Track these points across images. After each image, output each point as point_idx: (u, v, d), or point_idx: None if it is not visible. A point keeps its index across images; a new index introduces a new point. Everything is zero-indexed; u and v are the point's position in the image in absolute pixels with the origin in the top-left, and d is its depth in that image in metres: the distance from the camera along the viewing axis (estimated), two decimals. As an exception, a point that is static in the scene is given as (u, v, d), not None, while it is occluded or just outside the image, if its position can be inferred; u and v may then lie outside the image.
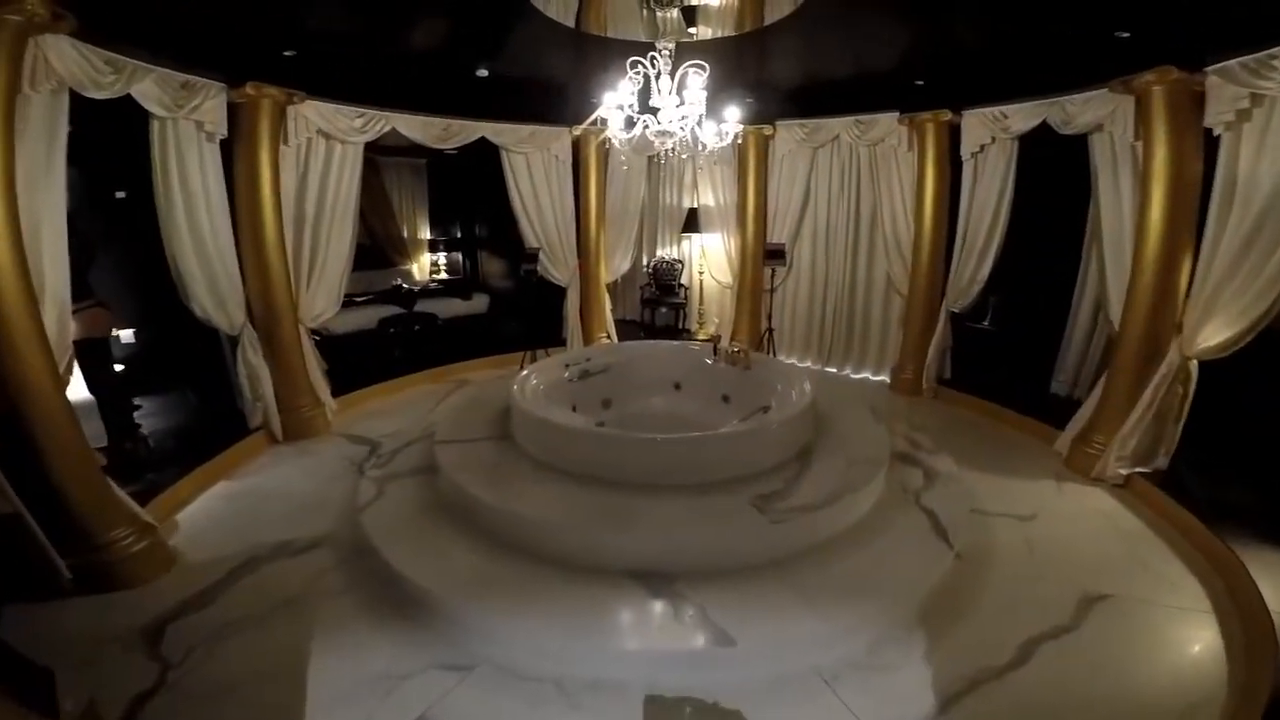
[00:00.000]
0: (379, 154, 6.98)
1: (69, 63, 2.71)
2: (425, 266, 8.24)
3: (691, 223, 7.08)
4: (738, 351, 4.61)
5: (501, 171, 5.94)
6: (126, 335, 5.26)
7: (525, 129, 5.85)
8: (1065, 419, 4.26)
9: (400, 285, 7.24)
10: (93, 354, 3.74)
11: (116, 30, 2.95)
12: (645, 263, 7.60)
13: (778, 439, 3.42)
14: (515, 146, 5.88)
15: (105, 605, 2.66)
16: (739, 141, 6.04)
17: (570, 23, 3.57)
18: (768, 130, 6.09)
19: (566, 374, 4.26)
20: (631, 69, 3.07)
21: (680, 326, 7.53)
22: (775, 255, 6.11)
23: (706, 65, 3.08)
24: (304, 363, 4.61)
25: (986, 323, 5.53)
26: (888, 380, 5.91)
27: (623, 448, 3.13)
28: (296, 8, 3.13)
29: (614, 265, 6.80)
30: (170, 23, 3.08)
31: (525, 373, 3.94)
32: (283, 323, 4.44)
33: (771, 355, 6.09)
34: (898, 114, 5.31)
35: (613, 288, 6.86)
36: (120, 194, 4.87)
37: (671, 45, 3.10)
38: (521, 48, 4.08)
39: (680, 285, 7.45)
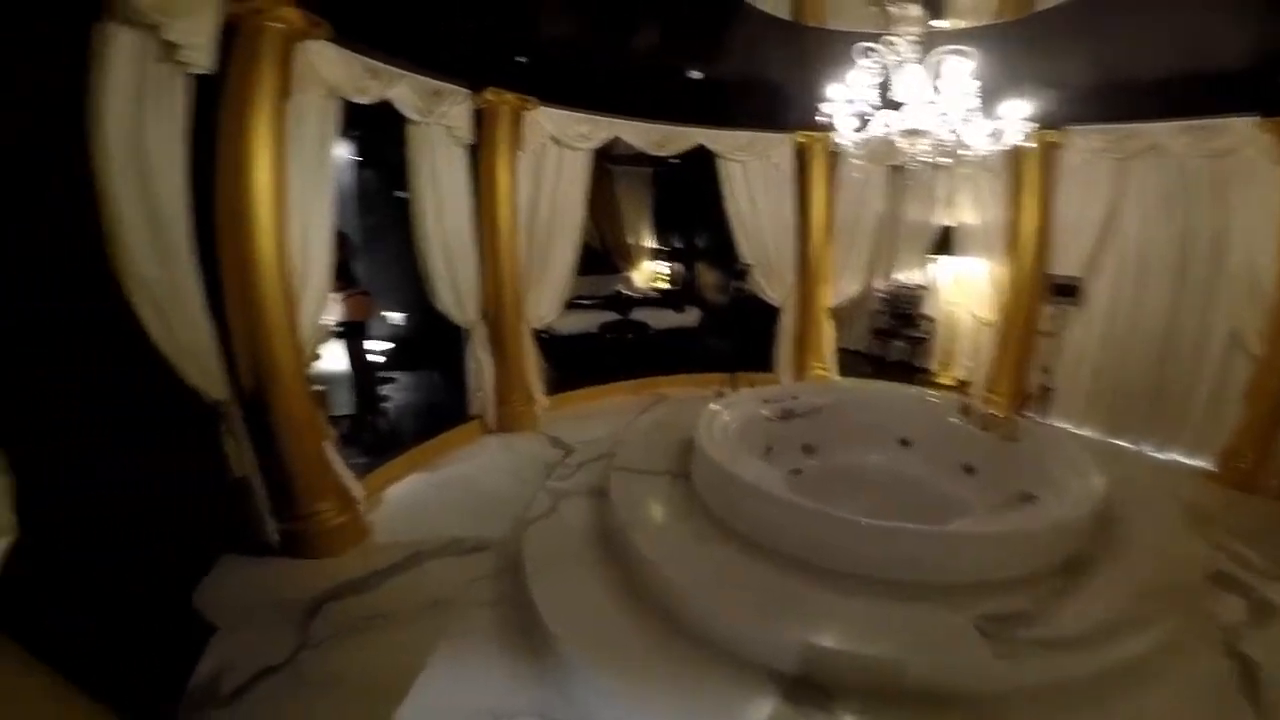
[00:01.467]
0: (612, 162, 7.21)
1: (334, 69, 3.04)
2: (647, 275, 8.36)
3: (944, 243, 6.03)
4: (998, 416, 3.67)
5: (718, 180, 5.65)
6: (397, 318, 6.17)
7: (743, 135, 5.50)
8: None
9: (621, 292, 7.39)
10: (354, 335, 4.34)
11: (368, 36, 3.24)
12: (880, 287, 6.69)
13: (1039, 546, 2.56)
14: (732, 154, 5.55)
15: (291, 571, 2.92)
16: (1015, 148, 4.93)
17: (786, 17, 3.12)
18: (1052, 137, 4.86)
19: (765, 411, 3.78)
20: (863, 57, 2.51)
21: (917, 365, 6.49)
22: (1065, 291, 4.86)
23: (972, 51, 2.40)
24: (524, 360, 4.85)
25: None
26: (1211, 467, 4.32)
27: (814, 522, 2.56)
28: (526, 12, 3.19)
29: (840, 287, 6.08)
30: (414, 27, 3.32)
31: (717, 407, 3.55)
32: (509, 321, 4.69)
33: (1042, 419, 4.85)
34: (1257, 118, 3.83)
35: (837, 313, 6.13)
36: (400, 193, 5.67)
37: (917, 30, 2.47)
38: (734, 46, 3.77)
39: (922, 316, 6.41)
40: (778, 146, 5.61)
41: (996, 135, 2.94)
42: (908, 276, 6.59)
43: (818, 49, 3.78)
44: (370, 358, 4.58)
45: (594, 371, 5.91)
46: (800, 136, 5.55)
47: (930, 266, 6.45)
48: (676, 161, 7.53)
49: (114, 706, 1.40)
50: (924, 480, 3.69)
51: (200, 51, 2.34)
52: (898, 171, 6.07)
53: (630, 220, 8.19)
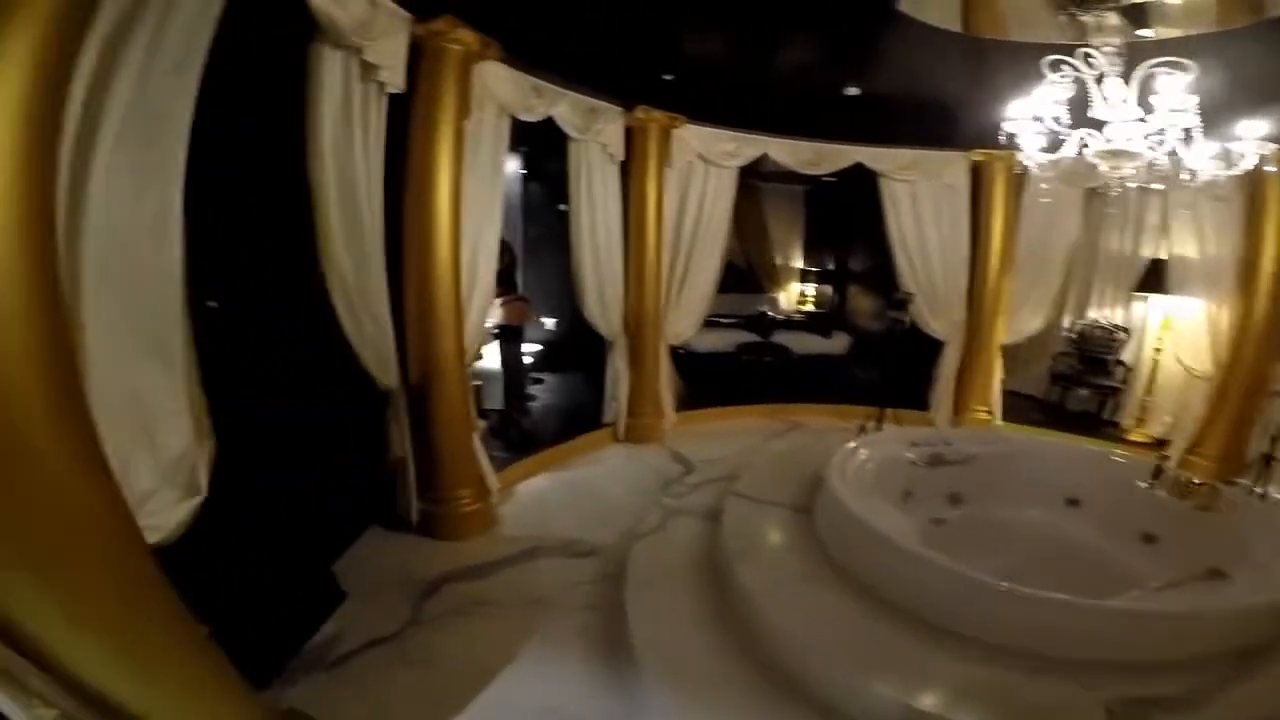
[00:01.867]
0: (759, 180, 7.08)
1: (505, 88, 3.31)
2: (793, 296, 8.09)
3: (1153, 279, 5.14)
4: (1199, 485, 3.06)
5: (879, 201, 5.30)
6: (550, 323, 6.58)
7: (907, 153, 5.12)
8: None
9: (764, 313, 7.22)
10: (510, 338, 4.67)
11: (532, 56, 3.46)
12: (1067, 325, 5.84)
13: (1219, 629, 2.09)
14: (896, 173, 5.18)
15: (423, 549, 3.16)
16: (1252, 171, 4.09)
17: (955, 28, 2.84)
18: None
19: (911, 455, 3.46)
20: (1052, 70, 2.21)
21: (1105, 417, 5.58)
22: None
23: (1188, 64, 2.03)
24: (658, 375, 4.92)
25: None
26: None
27: (943, 581, 2.28)
28: (674, 30, 3.25)
29: (1017, 324, 5.43)
30: (572, 46, 3.51)
31: (854, 444, 3.31)
32: (648, 336, 4.79)
33: (1262, 492, 3.94)
34: None
35: (1008, 351, 5.48)
36: (562, 207, 6.06)
37: (1116, 41, 2.13)
38: (895, 60, 3.52)
39: (1119, 362, 5.50)
40: (950, 166, 5.16)
41: (1227, 158, 2.47)
42: (1104, 315, 5.70)
43: (996, 61, 3.43)
44: (523, 360, 4.90)
45: (727, 391, 5.83)
46: (977, 155, 5.07)
47: (1133, 305, 5.53)
48: (831, 179, 7.28)
49: (233, 656, 1.59)
50: (1089, 544, 3.17)
51: (394, 72, 2.67)
52: (1095, 196, 5.32)
53: (778, 239, 7.99)
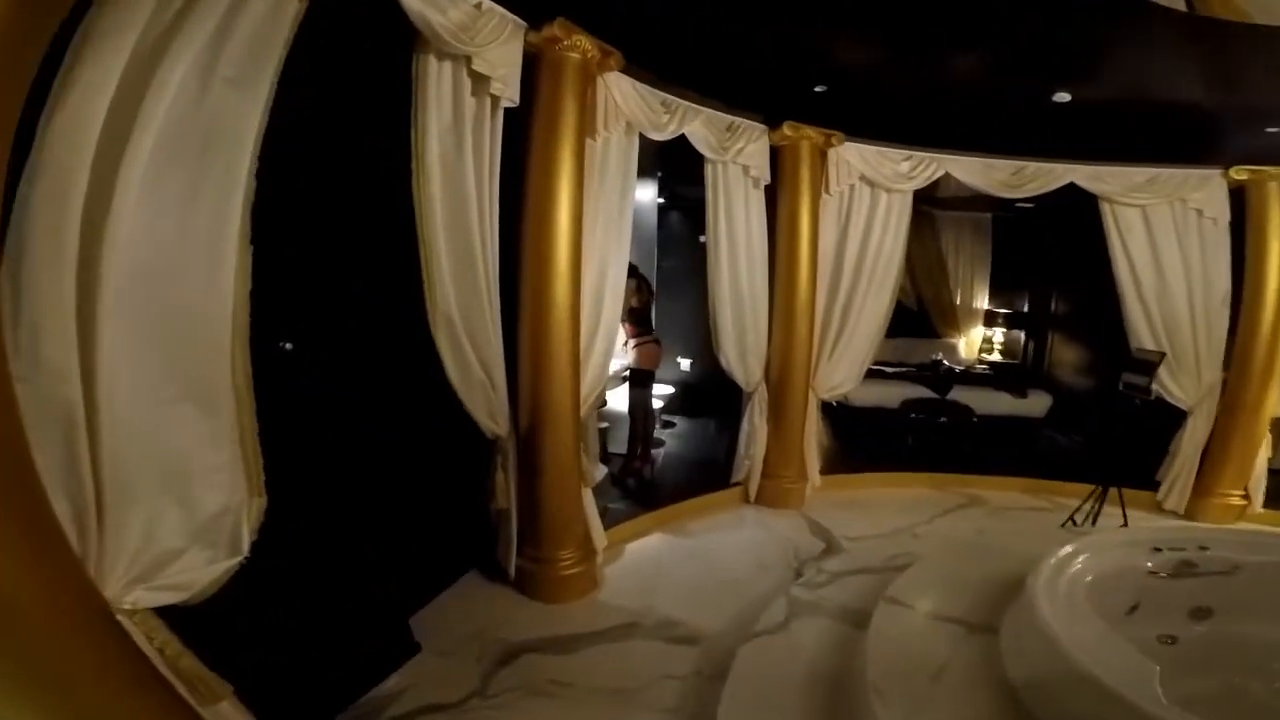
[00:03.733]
0: (934, 207, 6.16)
1: (631, 102, 3.00)
2: (975, 343, 6.91)
3: None
4: None
5: (1099, 230, 4.26)
6: (685, 364, 6.22)
7: (1140, 172, 4.07)
8: None
9: (940, 361, 6.20)
10: (640, 383, 4.33)
11: (659, 66, 3.13)
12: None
13: None
14: (1124, 196, 4.12)
15: (514, 607, 2.87)
16: None
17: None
18: None
19: (1152, 564, 2.51)
20: None
21: None
22: None
23: None
24: (804, 434, 4.28)
25: None
26: None
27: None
28: (819, 36, 2.75)
29: (1301, 390, 4.02)
30: (704, 55, 3.10)
31: (1071, 549, 2.44)
32: (794, 388, 4.18)
33: None
34: None
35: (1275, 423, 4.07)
36: (702, 238, 5.70)
37: None
38: (1120, 55, 2.69)
39: None
40: (1200, 187, 4.02)
41: None
42: None
43: (1254, 52, 2.51)
44: (652, 406, 4.53)
45: (887, 454, 4.99)
46: (1239, 173, 3.89)
47: None
48: (1028, 205, 6.16)
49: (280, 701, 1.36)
50: None
51: (507, 84, 2.44)
52: None
53: (958, 275, 6.90)
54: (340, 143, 2.26)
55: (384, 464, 2.50)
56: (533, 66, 2.62)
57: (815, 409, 4.34)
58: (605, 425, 4.76)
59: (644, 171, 5.17)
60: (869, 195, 4.20)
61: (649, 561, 3.48)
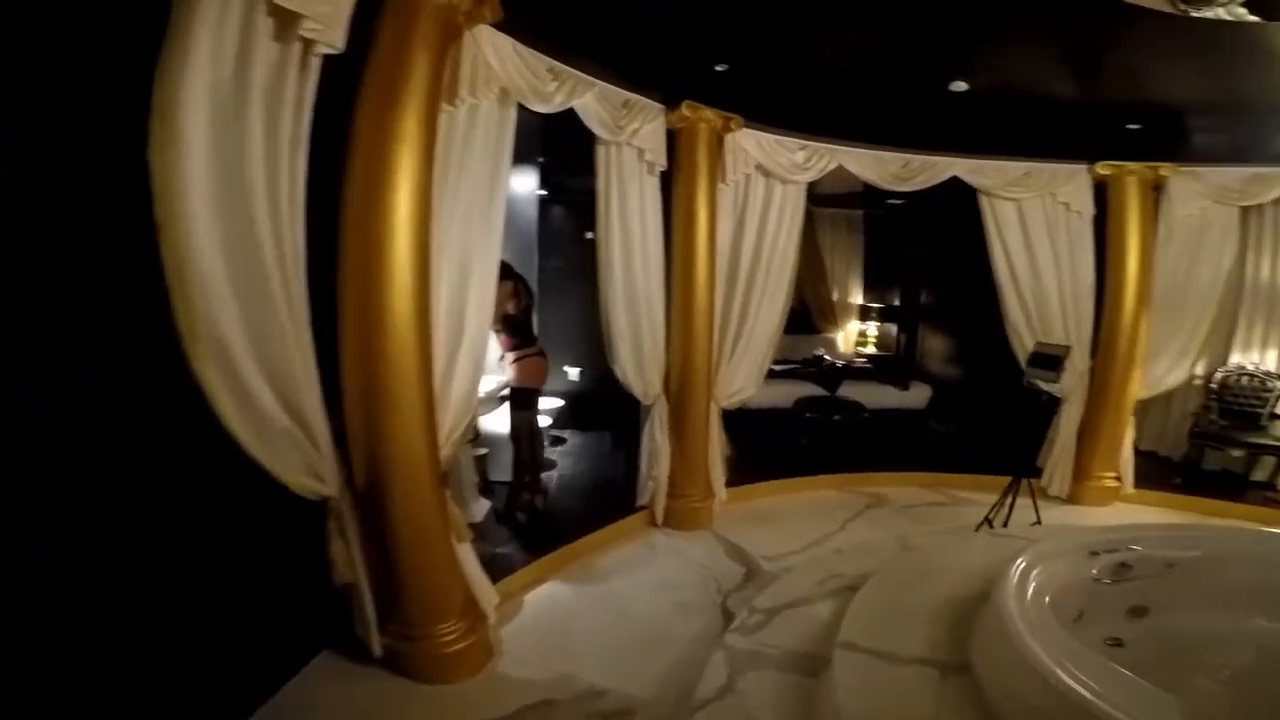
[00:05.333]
0: (812, 203, 6.17)
1: (510, 65, 2.40)
2: (852, 337, 7.07)
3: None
4: None
5: (968, 225, 4.37)
6: (574, 373, 5.65)
7: (1017, 166, 4.17)
8: None
9: (822, 357, 6.19)
10: (523, 403, 3.69)
11: (547, 28, 2.60)
12: (1201, 373, 4.71)
13: None
14: (1002, 190, 4.21)
15: (386, 694, 2.26)
16: None
17: None
18: None
19: (1095, 571, 2.39)
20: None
21: (1257, 479, 4.41)
22: None
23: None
24: (709, 447, 3.88)
25: None
26: None
27: None
28: (722, 6, 2.39)
29: (1154, 375, 4.34)
30: (599, 21, 2.62)
31: (1024, 562, 2.22)
32: (696, 398, 3.77)
33: None
34: None
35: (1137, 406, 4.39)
36: (590, 235, 5.16)
37: None
38: (1012, 46, 2.75)
39: (1275, 416, 4.36)
40: (1069, 181, 4.19)
41: None
42: (1251, 360, 4.57)
43: (1157, 40, 2.54)
44: (539, 427, 3.91)
45: (787, 458, 4.81)
46: (1103, 168, 4.08)
47: (1297, 349, 4.41)
48: (898, 202, 6.36)
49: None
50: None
51: (328, 24, 1.74)
52: (1250, 215, 4.30)
53: (834, 272, 7.01)
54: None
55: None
56: (374, 7, 1.95)
57: (718, 419, 3.99)
58: (484, 451, 4.10)
59: (522, 157, 4.57)
60: (764, 186, 3.91)
61: (554, 614, 2.92)
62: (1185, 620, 2.45)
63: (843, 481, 4.60)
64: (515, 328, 3.61)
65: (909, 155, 4.12)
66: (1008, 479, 4.50)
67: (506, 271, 3.50)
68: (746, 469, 4.36)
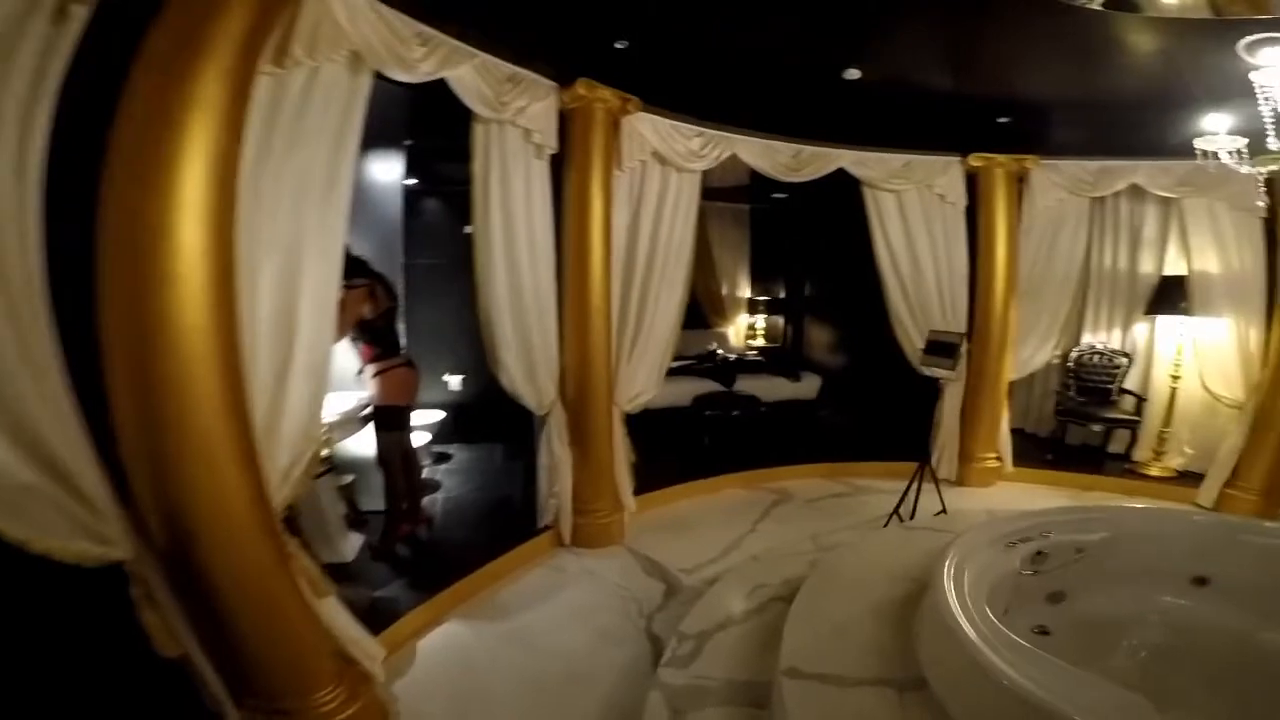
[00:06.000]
0: (701, 197, 6.11)
1: (365, 24, 1.96)
2: (742, 331, 7.10)
3: (1165, 299, 4.51)
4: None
5: (849, 218, 4.47)
6: (454, 383, 5.10)
7: (898, 158, 4.27)
8: None
9: (715, 351, 6.13)
10: (391, 423, 3.17)
11: None
12: (1058, 354, 5.13)
13: None
14: (885, 182, 4.30)
15: None
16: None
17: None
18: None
19: (1019, 563, 2.37)
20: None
21: (1114, 451, 4.88)
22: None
23: None
24: (614, 456, 3.57)
25: None
26: None
27: None
28: None
29: (1023, 357, 4.64)
30: None
31: (953, 567, 2.13)
32: (597, 404, 3.45)
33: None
34: None
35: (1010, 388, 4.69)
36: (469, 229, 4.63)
37: None
38: (902, 35, 2.81)
39: (1124, 391, 4.83)
40: (944, 172, 4.34)
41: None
42: (1100, 340, 5.05)
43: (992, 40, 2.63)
44: (413, 450, 3.39)
45: (690, 459, 4.64)
46: (975, 160, 4.28)
47: (1134, 328, 4.92)
48: (782, 196, 6.45)
49: None
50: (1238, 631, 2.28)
51: None
52: (1096, 206, 4.71)
53: (722, 265, 6.99)
54: None
55: None
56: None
57: (621, 425, 3.70)
58: (350, 478, 3.51)
59: (385, 140, 3.97)
60: (660, 174, 3.67)
61: (456, 659, 2.51)
62: (1098, 603, 2.50)
63: (747, 479, 4.50)
64: (376, 335, 3.09)
65: (799, 145, 4.07)
66: (901, 464, 4.64)
67: (359, 269, 2.96)
68: (652, 474, 4.10)
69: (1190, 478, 4.31)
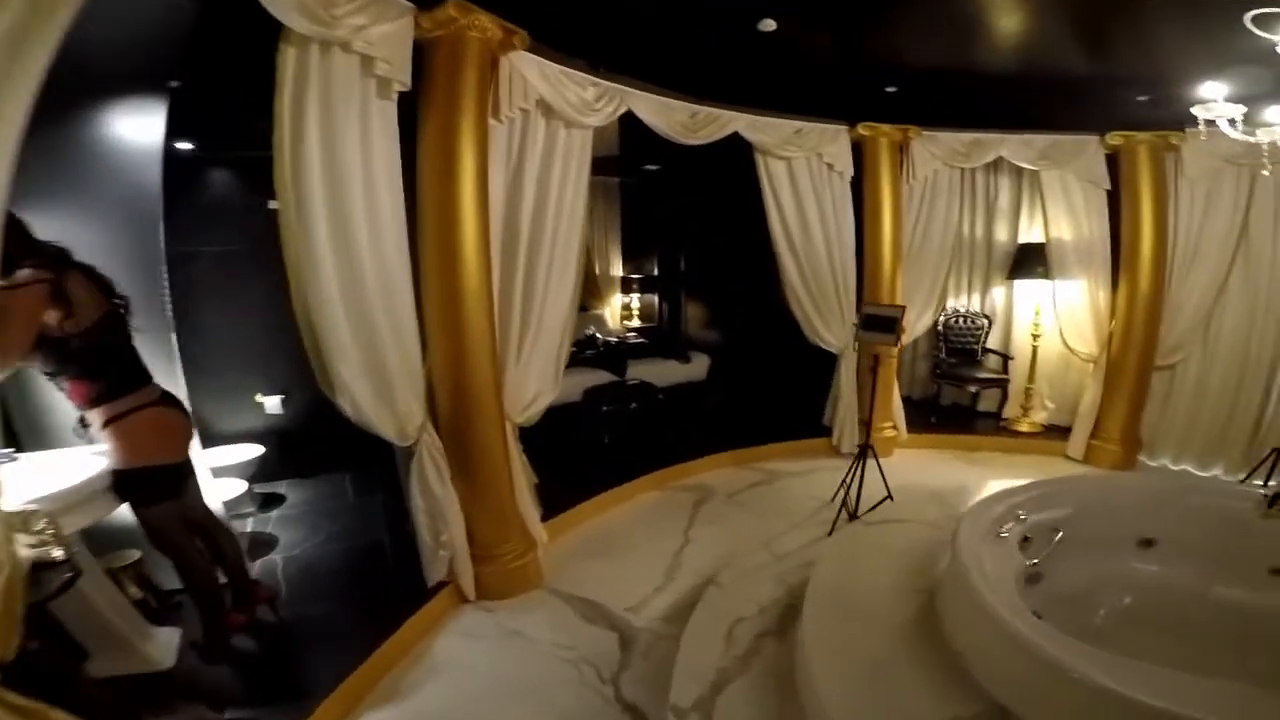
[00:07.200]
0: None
1: None
2: (617, 311, 6.59)
3: (1025, 264, 4.78)
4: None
5: (729, 190, 4.27)
6: (273, 404, 3.92)
7: (791, 124, 3.99)
8: None
9: (594, 335, 5.56)
10: (151, 491, 2.02)
11: None
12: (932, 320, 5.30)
13: None
14: (778, 149, 4.00)
15: None
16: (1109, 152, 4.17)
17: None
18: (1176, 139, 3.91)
19: (1024, 558, 2.15)
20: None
21: (984, 410, 5.17)
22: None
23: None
24: (511, 485, 2.85)
25: None
26: None
27: None
28: None
29: (909, 321, 4.66)
30: None
31: (975, 569, 1.84)
32: (482, 419, 2.68)
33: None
34: None
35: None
36: (274, 204, 3.46)
37: None
38: None
39: (988, 351, 5.10)
40: (833, 141, 4.15)
41: None
42: (963, 303, 5.30)
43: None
44: (219, 521, 2.36)
45: (592, 464, 4.06)
46: (863, 129, 4.14)
47: (992, 291, 5.22)
48: (654, 168, 6.00)
49: None
50: (1199, 590, 2.35)
51: None
52: (964, 176, 4.86)
53: (597, 242, 6.40)
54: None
55: None
56: None
57: (515, 441, 3.00)
58: (134, 556, 2.40)
59: (128, 80, 2.65)
60: (545, 129, 2.96)
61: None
62: (1072, 578, 2.40)
63: (659, 479, 4.02)
64: (91, 361, 1.90)
65: (696, 106, 3.59)
66: (805, 442, 4.50)
67: (28, 249, 1.76)
68: (555, 492, 3.43)
69: (1056, 431, 4.64)
